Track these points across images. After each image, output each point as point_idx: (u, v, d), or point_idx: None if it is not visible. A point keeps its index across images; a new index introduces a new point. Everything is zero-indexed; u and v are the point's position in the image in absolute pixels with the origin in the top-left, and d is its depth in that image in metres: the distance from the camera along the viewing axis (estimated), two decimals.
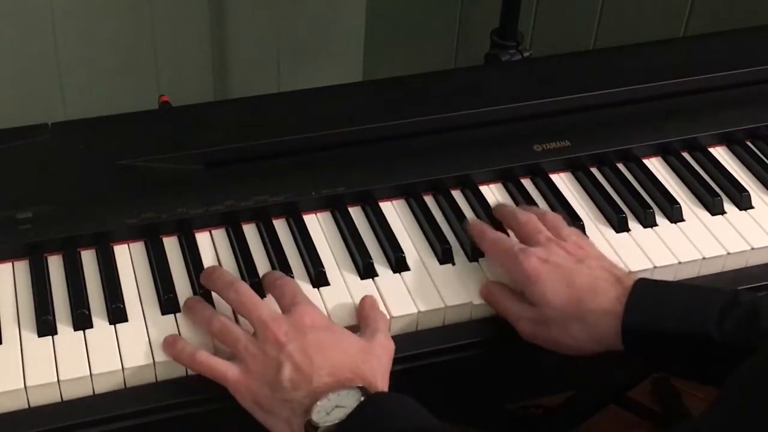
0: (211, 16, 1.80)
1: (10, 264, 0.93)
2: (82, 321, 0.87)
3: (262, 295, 0.89)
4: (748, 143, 1.12)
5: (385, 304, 0.90)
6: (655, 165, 1.08)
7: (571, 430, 1.36)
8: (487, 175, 1.05)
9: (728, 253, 0.97)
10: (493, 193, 1.04)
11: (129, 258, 0.94)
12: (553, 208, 1.02)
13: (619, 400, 1.44)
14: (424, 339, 0.90)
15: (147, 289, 0.91)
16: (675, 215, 1.01)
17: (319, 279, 0.92)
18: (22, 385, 0.82)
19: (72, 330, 0.87)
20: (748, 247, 0.98)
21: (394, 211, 1.01)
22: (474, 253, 0.96)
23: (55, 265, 0.93)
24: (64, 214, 0.94)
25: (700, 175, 1.06)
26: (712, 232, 1.00)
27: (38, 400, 0.82)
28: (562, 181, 1.06)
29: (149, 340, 0.86)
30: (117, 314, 0.88)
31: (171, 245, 0.95)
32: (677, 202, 1.02)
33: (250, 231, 0.97)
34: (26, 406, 0.82)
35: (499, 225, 0.97)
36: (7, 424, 0.81)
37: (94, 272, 0.92)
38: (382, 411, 0.77)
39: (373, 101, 1.12)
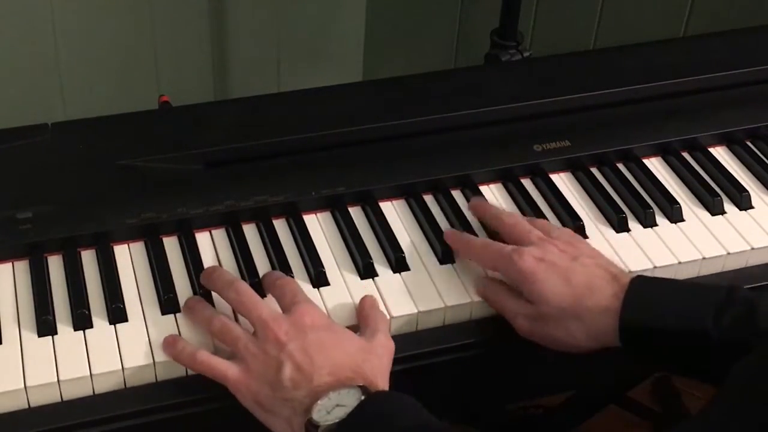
0: (211, 16, 1.80)
1: (10, 264, 0.93)
2: (82, 321, 0.87)
3: (263, 295, 0.89)
4: (748, 143, 1.12)
5: (385, 304, 0.90)
6: (655, 165, 1.08)
7: (571, 430, 1.36)
8: (487, 175, 1.05)
9: (728, 253, 0.97)
10: (493, 193, 1.04)
11: (129, 258, 0.94)
12: (553, 208, 1.02)
13: (619, 400, 1.44)
14: (424, 339, 0.90)
15: (147, 289, 0.91)
16: (675, 215, 1.01)
17: (319, 279, 0.92)
18: (22, 385, 0.82)
19: (72, 330, 0.87)
20: (748, 247, 0.98)
21: (394, 211, 1.01)
22: None
23: (55, 265, 0.93)
24: (64, 214, 0.94)
25: (700, 175, 1.06)
26: (712, 232, 1.00)
27: (38, 400, 0.82)
28: (562, 181, 1.06)
29: (149, 340, 0.86)
30: (117, 314, 0.88)
31: (171, 245, 0.95)
32: (677, 202, 1.02)
33: (250, 231, 0.97)
34: (26, 406, 0.82)
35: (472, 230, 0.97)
36: (7, 424, 0.81)
37: (94, 272, 0.92)
38: (383, 410, 0.77)
39: (373, 101, 1.12)
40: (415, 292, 0.92)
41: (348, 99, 1.13)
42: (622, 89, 1.12)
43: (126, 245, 0.95)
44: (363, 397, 0.77)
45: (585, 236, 0.98)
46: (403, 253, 0.95)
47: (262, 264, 0.93)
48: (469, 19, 1.91)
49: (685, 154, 1.10)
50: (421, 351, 0.89)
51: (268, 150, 1.02)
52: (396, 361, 0.86)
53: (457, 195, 1.03)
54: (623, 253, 0.96)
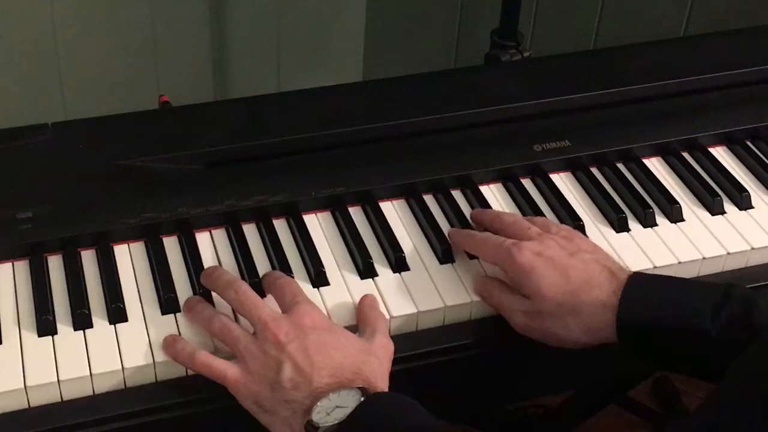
0: (211, 16, 1.80)
1: (10, 264, 0.93)
2: (82, 321, 0.87)
3: (263, 295, 0.89)
4: (748, 143, 1.12)
5: (385, 304, 0.90)
6: (655, 165, 1.08)
7: (571, 431, 1.36)
8: (487, 175, 1.05)
9: (728, 253, 0.97)
10: (493, 193, 1.04)
11: (129, 258, 0.94)
12: (553, 208, 1.02)
13: (619, 400, 1.44)
14: (423, 339, 0.90)
15: (147, 289, 0.91)
16: (675, 215, 1.01)
17: (319, 279, 0.92)
18: (22, 385, 0.82)
19: (72, 330, 0.87)
20: (748, 247, 0.98)
21: (394, 211, 1.01)
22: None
23: (55, 265, 0.93)
24: (64, 214, 0.94)
25: (700, 175, 1.06)
26: (712, 232, 1.00)
27: (38, 400, 0.82)
28: (562, 181, 1.06)
29: (149, 340, 0.86)
30: (117, 314, 0.88)
31: (171, 245, 0.95)
32: (677, 202, 1.02)
33: (250, 231, 0.97)
34: (26, 406, 0.82)
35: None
36: (7, 424, 0.81)
37: (94, 272, 0.92)
38: (382, 411, 0.77)
39: (373, 101, 1.12)
40: (415, 292, 0.92)
41: (348, 99, 1.13)
42: (622, 89, 1.12)
43: (126, 245, 0.95)
44: (362, 399, 0.77)
45: (582, 234, 0.98)
46: (403, 253, 0.95)
47: (262, 264, 0.93)
48: (469, 19, 1.91)
49: (685, 154, 1.10)
50: (420, 351, 0.89)
51: (268, 150, 1.03)
52: (396, 360, 0.86)
53: (457, 195, 1.03)
54: (623, 253, 0.96)
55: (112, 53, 1.74)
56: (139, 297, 0.90)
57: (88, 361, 0.84)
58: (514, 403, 1.31)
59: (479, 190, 1.03)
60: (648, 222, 1.00)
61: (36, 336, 0.86)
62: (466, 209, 1.01)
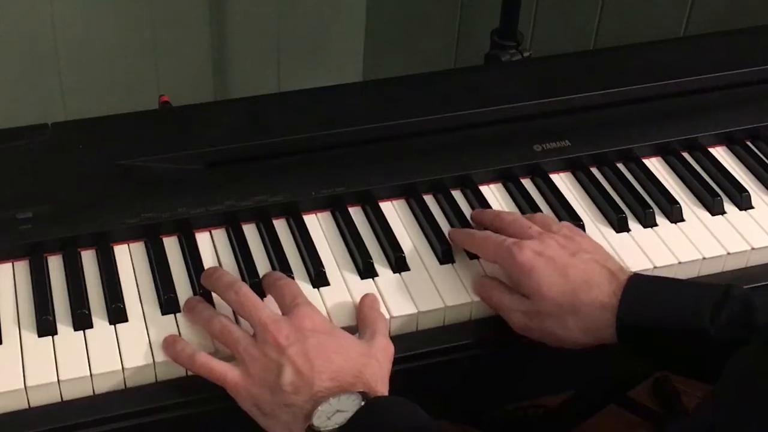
0: (211, 16, 1.80)
1: (10, 264, 0.93)
2: (82, 321, 0.87)
3: (263, 296, 0.89)
4: (748, 143, 1.12)
5: (385, 304, 0.90)
6: (655, 165, 1.08)
7: (571, 431, 1.36)
8: (487, 175, 1.05)
9: (728, 253, 0.97)
10: (493, 193, 1.04)
11: (129, 258, 0.94)
12: (553, 208, 1.02)
13: (619, 400, 1.44)
14: (424, 339, 0.90)
15: (147, 289, 0.91)
16: (675, 215, 1.01)
17: (319, 279, 0.92)
18: (22, 385, 0.82)
19: (72, 330, 0.87)
20: (748, 247, 0.98)
21: (394, 211, 1.01)
22: (473, 253, 0.96)
23: (55, 265, 0.93)
24: (64, 214, 0.94)
25: (700, 175, 1.06)
26: (712, 232, 1.00)
27: (38, 400, 0.82)
28: (562, 181, 1.06)
29: (149, 340, 0.86)
30: (117, 314, 0.88)
31: (171, 245, 0.95)
32: (677, 202, 1.02)
33: (250, 231, 0.97)
34: (26, 406, 0.82)
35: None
36: (7, 424, 0.81)
37: (94, 272, 0.92)
38: (383, 414, 0.77)
39: (373, 101, 1.12)
40: (415, 292, 0.92)
41: (348, 99, 1.13)
42: (622, 89, 1.12)
43: (126, 245, 0.95)
44: (363, 403, 0.77)
45: (582, 233, 0.98)
46: (403, 253, 0.95)
47: (262, 264, 0.93)
48: (469, 19, 1.91)
49: (685, 154, 1.10)
50: (420, 351, 0.89)
51: (268, 150, 1.03)
52: (396, 360, 0.86)
53: (457, 195, 1.03)
54: (623, 253, 0.96)
55: (112, 53, 1.75)
56: (139, 297, 0.90)
57: (88, 361, 0.84)
58: (514, 403, 1.31)
59: (479, 190, 1.03)
60: (648, 222, 1.00)
61: (36, 336, 0.86)
62: (466, 209, 1.01)
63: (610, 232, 1.00)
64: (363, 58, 2.00)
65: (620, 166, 1.07)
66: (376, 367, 0.82)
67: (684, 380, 1.45)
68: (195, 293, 0.90)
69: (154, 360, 0.84)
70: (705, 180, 1.05)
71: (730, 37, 1.27)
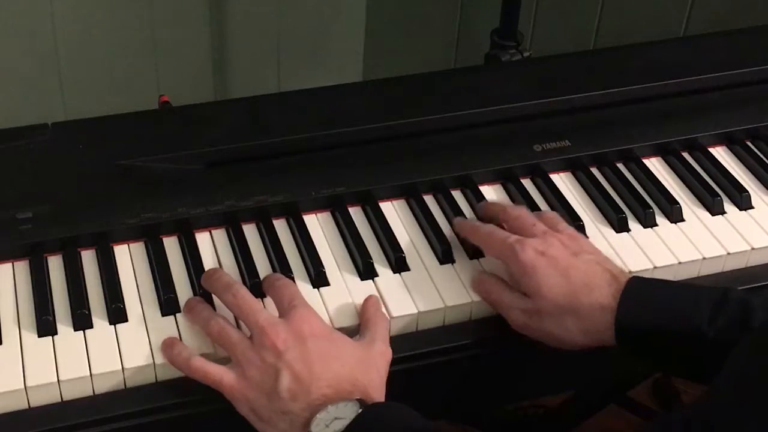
0: (211, 16, 1.80)
1: (10, 264, 0.93)
2: (82, 321, 0.87)
3: (263, 297, 0.89)
4: (748, 143, 1.12)
5: (385, 304, 0.90)
6: (655, 165, 1.08)
7: (571, 430, 1.36)
8: (487, 175, 1.05)
9: (728, 253, 0.97)
10: (493, 193, 1.04)
11: (129, 258, 0.94)
12: (553, 208, 1.02)
13: (619, 400, 1.44)
14: (424, 339, 0.90)
15: (147, 289, 0.91)
16: (675, 215, 1.01)
17: (319, 279, 0.92)
18: (22, 385, 0.82)
19: (72, 330, 0.87)
20: (748, 247, 0.98)
21: (394, 211, 1.01)
22: (474, 252, 0.96)
23: (55, 265, 0.93)
24: (64, 214, 0.94)
25: (700, 175, 1.06)
26: (712, 232, 1.00)
27: (38, 400, 0.82)
28: (562, 181, 1.06)
29: (149, 340, 0.86)
30: (117, 314, 0.88)
31: (171, 245, 0.95)
32: (677, 202, 1.02)
33: (250, 231, 0.97)
34: (26, 406, 0.82)
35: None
36: (7, 424, 0.81)
37: (94, 272, 0.92)
38: (381, 420, 0.77)
39: (373, 101, 1.12)
40: (415, 292, 0.92)
41: (348, 99, 1.13)
42: (622, 89, 1.12)
43: (126, 245, 0.95)
44: (360, 410, 0.77)
45: (585, 236, 0.98)
46: (403, 253, 0.95)
47: (262, 264, 0.93)
48: (469, 19, 1.91)
49: (685, 154, 1.10)
50: (420, 351, 0.89)
51: (268, 150, 1.02)
52: (396, 361, 0.86)
53: (457, 195, 1.03)
54: (623, 253, 0.96)
55: (112, 53, 1.75)
56: (139, 297, 0.90)
57: (88, 362, 0.84)
58: (514, 403, 1.31)
59: (479, 190, 1.03)
60: (648, 222, 1.00)
61: (36, 336, 0.86)
62: (466, 209, 1.01)
63: (610, 232, 1.00)
64: (363, 58, 2.00)
65: (620, 166, 1.07)
66: (373, 373, 0.82)
67: (684, 380, 1.45)
68: (195, 293, 0.90)
69: (153, 360, 0.84)
70: (705, 180, 1.05)
71: (730, 37, 1.27)
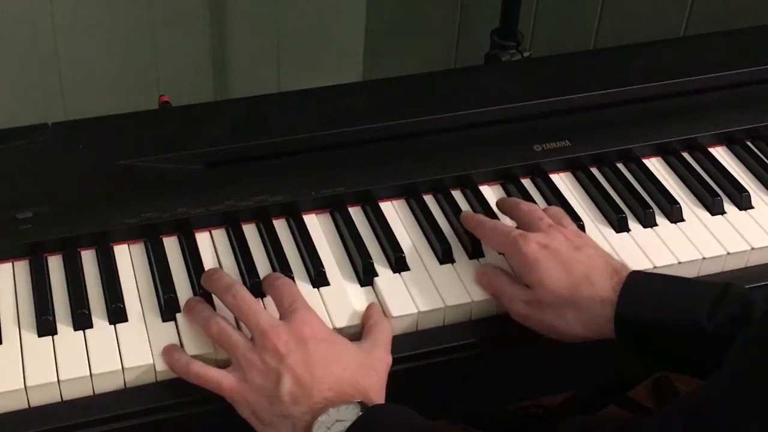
0: (211, 16, 1.80)
1: (10, 264, 0.93)
2: (82, 321, 0.87)
3: (263, 296, 0.89)
4: (748, 143, 1.12)
5: (385, 305, 0.90)
6: (655, 165, 1.09)
7: None
8: (487, 175, 1.05)
9: (728, 253, 0.97)
10: (493, 193, 1.04)
11: (129, 258, 0.94)
12: None
13: (619, 400, 1.44)
14: (424, 339, 0.90)
15: (147, 289, 0.91)
16: (675, 215, 1.01)
17: (319, 279, 0.92)
18: (22, 385, 0.82)
19: (72, 330, 0.87)
20: (748, 247, 0.98)
21: (394, 211, 1.01)
22: (474, 252, 0.96)
23: (55, 265, 0.93)
24: (64, 214, 0.94)
25: (700, 175, 1.06)
26: (712, 232, 1.00)
27: (38, 400, 0.82)
28: (562, 181, 1.06)
29: (149, 340, 0.86)
30: (117, 314, 0.88)
31: (171, 245, 0.95)
32: (677, 202, 1.02)
33: (250, 231, 0.97)
34: (26, 406, 0.82)
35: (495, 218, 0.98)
36: (7, 424, 0.81)
37: (94, 272, 0.92)
38: (382, 420, 0.78)
39: (373, 101, 1.12)
40: (415, 292, 0.92)
41: (348, 99, 1.13)
42: (622, 89, 1.12)
43: (126, 245, 0.95)
44: (361, 413, 0.77)
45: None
46: (403, 253, 0.95)
47: (262, 264, 0.93)
48: (469, 19, 1.91)
49: (685, 154, 1.10)
50: (421, 351, 0.89)
51: (268, 150, 1.03)
52: (396, 360, 0.86)
53: (457, 195, 1.03)
54: (623, 253, 0.96)
55: (112, 53, 1.75)
56: (139, 297, 0.90)
57: (88, 361, 0.84)
58: (514, 403, 1.30)
59: (479, 190, 1.03)
60: (648, 222, 1.00)
61: (36, 336, 0.86)
62: (466, 209, 1.01)
63: (610, 232, 1.00)
64: (363, 58, 2.00)
65: (620, 166, 1.07)
66: (374, 378, 0.82)
67: (684, 380, 1.45)
68: (195, 293, 0.90)
69: (154, 360, 0.84)
70: (705, 180, 1.06)
71: (730, 37, 1.27)
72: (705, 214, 1.02)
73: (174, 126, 1.08)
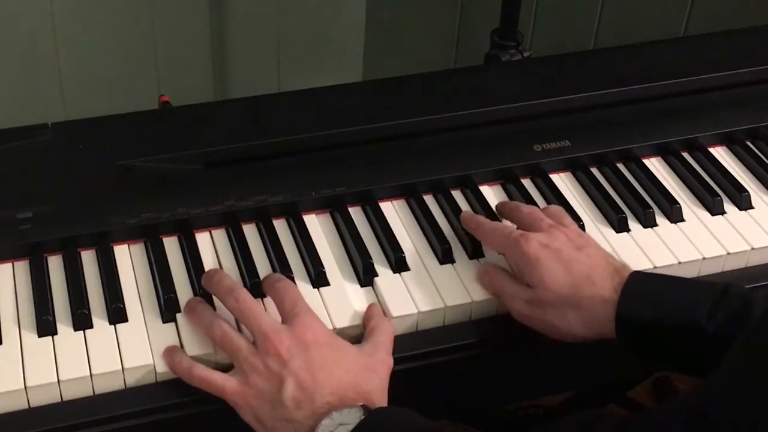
0: (211, 16, 1.80)
1: (10, 264, 0.93)
2: (82, 321, 0.87)
3: (263, 295, 0.89)
4: (748, 143, 1.12)
5: (385, 304, 0.90)
6: (655, 165, 1.09)
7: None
8: (487, 175, 1.05)
9: (728, 253, 0.97)
10: (493, 193, 1.04)
11: (129, 258, 0.94)
12: None
13: (619, 400, 1.44)
14: (424, 339, 0.90)
15: (147, 289, 0.91)
16: (675, 215, 1.01)
17: (319, 279, 0.92)
18: (22, 386, 0.82)
19: (72, 330, 0.87)
20: (748, 247, 0.98)
21: (394, 211, 1.01)
22: (474, 252, 0.96)
23: (55, 265, 0.93)
24: (64, 214, 0.94)
25: (700, 175, 1.06)
26: (712, 232, 1.00)
27: (38, 400, 0.82)
28: (562, 181, 1.06)
29: (149, 340, 0.86)
30: (117, 314, 0.88)
31: (171, 245, 0.95)
32: (677, 202, 1.02)
33: (250, 231, 0.97)
34: (26, 406, 0.82)
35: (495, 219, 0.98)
36: (7, 424, 0.81)
37: (94, 272, 0.92)
38: (384, 422, 0.78)
39: (373, 101, 1.12)
40: (415, 293, 0.92)
41: (348, 99, 1.13)
42: (622, 89, 1.12)
43: (126, 245, 0.95)
44: (364, 416, 0.77)
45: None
46: (403, 253, 0.95)
47: (262, 264, 0.93)
48: (469, 19, 1.91)
49: (685, 154, 1.10)
50: (421, 351, 0.89)
51: (268, 150, 1.03)
52: (396, 360, 0.86)
53: (457, 195, 1.03)
54: (623, 253, 0.96)
55: (112, 53, 1.74)
56: (139, 297, 0.90)
57: (88, 362, 0.84)
58: (514, 403, 1.30)
59: (479, 190, 1.03)
60: (648, 222, 1.00)
61: (36, 336, 0.86)
62: (466, 209, 1.01)
63: (610, 232, 1.00)
64: (363, 58, 2.00)
65: (620, 166, 1.07)
66: (376, 381, 0.82)
67: (684, 380, 1.45)
68: (195, 293, 0.90)
69: (154, 360, 0.84)
70: (705, 180, 1.06)
71: (730, 37, 1.27)
72: (705, 214, 1.02)
73: (174, 126, 1.08)
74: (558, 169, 1.07)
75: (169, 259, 0.93)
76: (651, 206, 1.01)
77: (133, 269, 0.93)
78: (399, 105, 1.10)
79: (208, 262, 0.93)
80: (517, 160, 1.05)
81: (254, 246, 0.95)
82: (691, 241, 0.98)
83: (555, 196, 1.03)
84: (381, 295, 0.91)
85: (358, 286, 0.93)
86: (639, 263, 0.95)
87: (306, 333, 0.82)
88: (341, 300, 0.91)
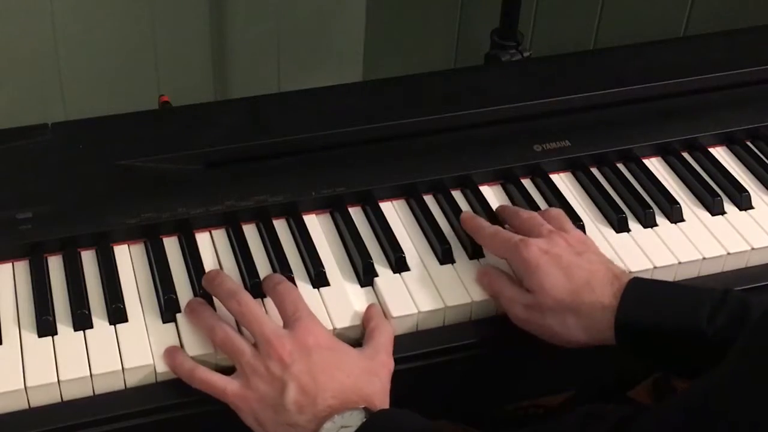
0: (211, 16, 1.80)
1: (10, 264, 0.93)
2: (82, 321, 0.87)
3: (263, 295, 0.89)
4: (748, 143, 1.12)
5: (385, 305, 0.90)
6: (655, 165, 1.09)
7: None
8: (487, 175, 1.05)
9: (728, 253, 0.97)
10: (493, 193, 1.04)
11: (129, 258, 0.94)
12: None
13: (619, 400, 1.43)
14: (424, 339, 0.90)
15: (147, 289, 0.91)
16: (675, 215, 1.01)
17: (319, 279, 0.92)
18: (22, 386, 0.82)
19: (72, 330, 0.87)
20: (748, 247, 0.98)
21: (394, 211, 1.01)
22: (474, 252, 0.96)
23: (55, 265, 0.93)
24: (64, 214, 0.94)
25: (700, 175, 1.06)
26: (712, 232, 1.00)
27: (38, 400, 0.82)
28: (562, 181, 1.06)
29: (149, 340, 0.86)
30: (117, 314, 0.88)
31: (171, 245, 0.95)
32: (677, 202, 1.02)
33: (250, 231, 0.97)
34: (26, 406, 0.82)
35: (495, 222, 0.98)
36: (7, 424, 0.81)
37: (94, 272, 0.92)
38: (386, 424, 0.78)
39: (373, 101, 1.12)
40: (415, 293, 0.92)
41: (348, 99, 1.13)
42: (622, 89, 1.12)
43: (126, 245, 0.95)
44: (365, 419, 0.77)
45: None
46: (403, 253, 0.95)
47: (262, 264, 0.93)
48: (469, 19, 1.91)
49: (685, 154, 1.10)
50: (421, 351, 0.89)
51: (268, 150, 1.03)
52: (396, 361, 0.86)
53: (457, 195, 1.03)
54: (623, 253, 0.96)
55: (112, 53, 1.74)
56: (139, 297, 0.90)
57: (88, 362, 0.84)
58: (514, 403, 1.30)
59: (479, 190, 1.03)
60: (648, 222, 1.00)
61: (36, 336, 0.86)
62: (466, 209, 1.01)
63: (610, 232, 1.00)
64: (363, 58, 2.00)
65: (620, 166, 1.07)
66: (377, 384, 0.82)
67: (684, 380, 1.45)
68: (195, 293, 0.90)
69: (154, 360, 0.84)
70: (705, 180, 1.05)
71: (730, 37, 1.27)
72: (705, 214, 1.02)
73: (174, 126, 1.08)
74: (558, 169, 1.07)
75: (169, 259, 0.93)
76: (651, 206, 1.01)
77: (133, 269, 0.93)
78: (399, 105, 1.10)
79: (208, 262, 0.93)
80: (517, 160, 1.05)
81: (254, 246, 0.95)
82: (691, 241, 0.98)
83: (555, 196, 1.02)
84: (381, 295, 0.91)
85: (358, 286, 0.93)
86: (639, 263, 0.95)
87: (308, 337, 0.82)
88: (341, 300, 0.91)
